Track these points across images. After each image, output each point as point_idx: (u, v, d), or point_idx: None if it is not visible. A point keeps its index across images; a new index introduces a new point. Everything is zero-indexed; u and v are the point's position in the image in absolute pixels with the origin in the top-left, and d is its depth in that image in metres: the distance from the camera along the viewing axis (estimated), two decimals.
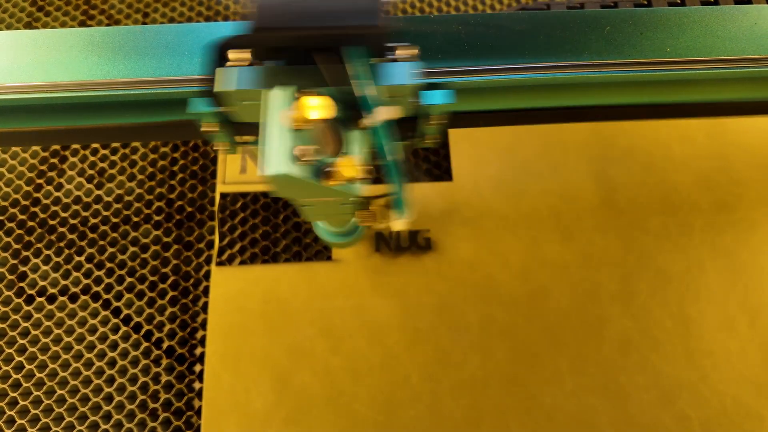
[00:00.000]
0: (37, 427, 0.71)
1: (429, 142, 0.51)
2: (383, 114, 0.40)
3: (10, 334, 0.75)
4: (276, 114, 0.40)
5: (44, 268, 0.78)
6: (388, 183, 0.45)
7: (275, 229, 0.80)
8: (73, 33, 0.47)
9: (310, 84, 0.42)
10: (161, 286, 0.78)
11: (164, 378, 0.74)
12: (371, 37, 0.40)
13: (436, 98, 0.45)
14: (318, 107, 0.38)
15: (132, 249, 0.80)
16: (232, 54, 0.43)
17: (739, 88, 0.51)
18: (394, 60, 0.43)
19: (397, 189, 0.45)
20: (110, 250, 0.80)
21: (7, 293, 0.77)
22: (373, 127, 0.41)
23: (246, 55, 0.43)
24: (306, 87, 0.41)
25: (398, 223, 0.49)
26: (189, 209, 0.82)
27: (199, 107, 0.45)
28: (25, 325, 0.76)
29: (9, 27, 0.91)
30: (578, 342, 0.75)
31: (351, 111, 0.42)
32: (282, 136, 0.39)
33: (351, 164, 0.39)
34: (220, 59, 0.44)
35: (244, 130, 0.49)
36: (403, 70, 0.42)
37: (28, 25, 0.91)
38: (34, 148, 0.84)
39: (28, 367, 0.74)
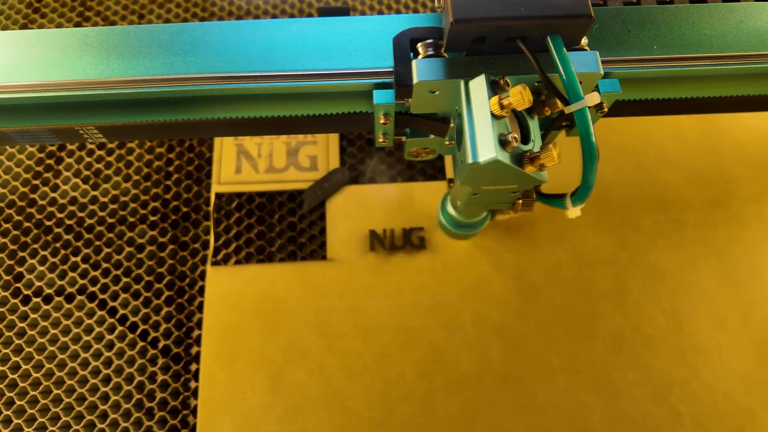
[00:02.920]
0: (34, 426, 0.72)
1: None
2: (590, 100, 0.41)
3: (7, 334, 0.76)
4: (482, 102, 0.41)
5: (40, 268, 0.79)
6: (586, 169, 0.45)
7: (270, 229, 0.80)
8: (68, 33, 0.48)
9: (505, 72, 0.44)
10: (157, 285, 0.78)
11: (160, 377, 0.75)
12: (579, 26, 0.41)
13: (610, 87, 0.48)
14: (523, 95, 0.40)
15: (128, 249, 0.80)
16: (421, 47, 0.46)
17: (726, 84, 0.51)
18: (581, 49, 0.45)
19: (591, 175, 0.46)
20: (106, 250, 0.80)
21: (3, 294, 0.78)
22: (578, 114, 0.42)
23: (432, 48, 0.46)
24: (501, 75, 0.43)
25: (575, 211, 0.49)
26: (184, 209, 0.82)
27: (385, 99, 0.47)
28: (22, 325, 0.76)
29: (4, 28, 0.92)
30: (571, 339, 0.75)
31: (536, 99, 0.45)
32: (489, 123, 0.41)
33: (554, 152, 0.41)
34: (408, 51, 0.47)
35: (411, 123, 0.52)
36: (593, 58, 0.44)
37: (24, 27, 0.92)
38: (30, 148, 0.84)
39: (24, 367, 0.74)
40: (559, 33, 0.41)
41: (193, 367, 0.75)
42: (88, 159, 0.84)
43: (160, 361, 0.75)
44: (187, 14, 0.94)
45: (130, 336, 0.76)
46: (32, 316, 0.76)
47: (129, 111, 0.49)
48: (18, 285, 0.78)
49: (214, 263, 0.78)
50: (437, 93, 0.45)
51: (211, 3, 0.94)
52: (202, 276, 0.79)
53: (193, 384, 0.74)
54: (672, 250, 0.79)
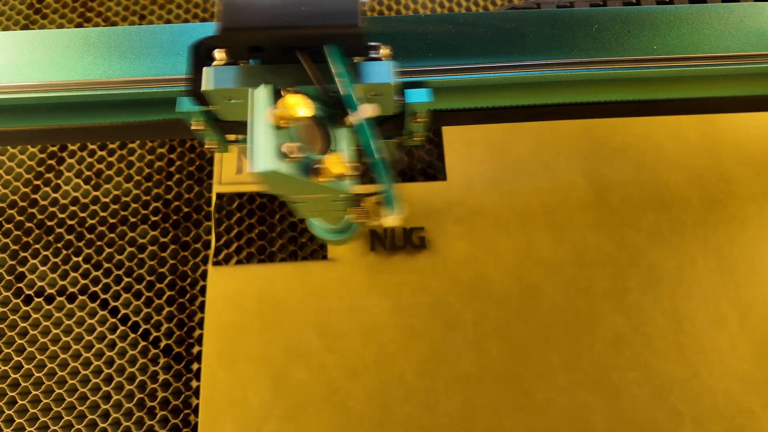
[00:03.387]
0: (36, 425, 0.72)
1: (416, 140, 0.52)
2: (366, 112, 0.41)
3: (9, 334, 0.76)
4: (261, 112, 0.40)
5: (42, 268, 0.79)
6: (376, 180, 0.45)
7: (271, 229, 0.80)
8: (69, 33, 0.48)
9: (294, 82, 0.42)
10: (158, 285, 0.79)
11: (162, 376, 0.75)
12: (349, 36, 0.40)
13: (419, 96, 0.46)
14: (301, 105, 0.38)
15: (129, 249, 0.80)
16: (218, 53, 0.44)
17: (726, 84, 0.51)
18: (376, 59, 0.43)
19: (385, 186, 0.46)
20: (108, 250, 0.80)
21: (5, 294, 0.78)
22: (357, 125, 0.41)
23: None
24: (290, 85, 0.42)
25: (389, 220, 0.50)
26: (186, 209, 0.82)
27: (185, 106, 0.46)
28: (24, 325, 0.76)
29: (5, 29, 0.92)
30: (571, 339, 0.75)
31: (336, 109, 0.43)
32: (268, 133, 0.39)
33: (338, 161, 0.40)
34: (206, 59, 0.44)
35: (233, 129, 0.50)
36: (384, 68, 0.43)
37: (25, 27, 0.92)
38: (31, 149, 0.85)
39: (26, 366, 0.74)
40: (333, 43, 0.41)
41: (195, 366, 0.75)
42: (89, 159, 0.85)
43: (162, 360, 0.76)
44: (187, 15, 0.94)
45: (132, 335, 0.76)
46: (34, 316, 0.77)
47: (131, 111, 0.49)
48: (20, 285, 0.78)
49: (216, 263, 0.78)
50: (234, 101, 0.44)
51: (212, 4, 0.95)
52: (204, 276, 0.79)
53: (194, 383, 0.75)
54: (671, 249, 0.80)
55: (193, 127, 0.48)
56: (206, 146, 0.51)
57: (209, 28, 0.49)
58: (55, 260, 0.79)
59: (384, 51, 0.44)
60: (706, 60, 0.49)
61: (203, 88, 0.42)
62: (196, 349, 0.76)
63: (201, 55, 0.44)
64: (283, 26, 0.40)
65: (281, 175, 0.39)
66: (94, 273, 0.79)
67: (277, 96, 0.41)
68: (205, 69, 0.43)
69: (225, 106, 0.44)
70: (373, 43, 0.44)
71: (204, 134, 0.50)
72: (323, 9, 0.40)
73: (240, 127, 0.50)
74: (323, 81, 0.41)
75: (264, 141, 0.39)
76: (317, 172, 0.40)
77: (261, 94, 0.41)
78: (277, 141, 0.39)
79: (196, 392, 0.74)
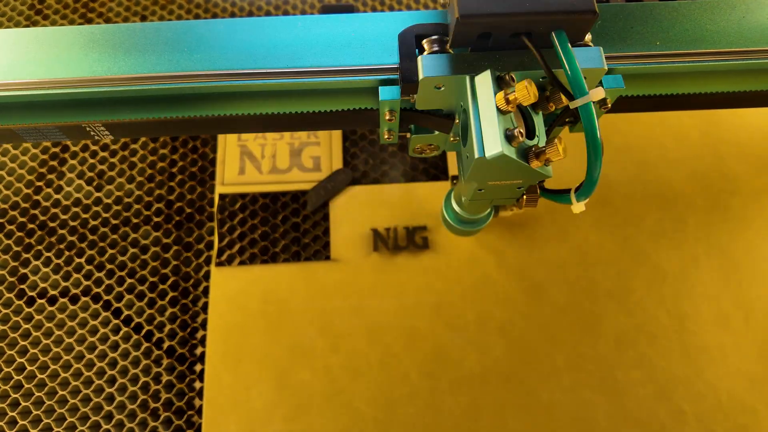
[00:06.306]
0: (39, 427, 0.72)
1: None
2: (594, 95, 0.41)
3: (11, 335, 0.76)
4: (487, 98, 0.42)
5: (45, 270, 0.79)
6: (591, 164, 0.45)
7: (274, 230, 0.80)
8: (74, 30, 0.48)
9: (512, 68, 0.44)
10: (161, 286, 0.79)
11: (165, 378, 0.75)
12: (583, 22, 0.42)
13: (611, 83, 0.48)
14: (530, 90, 0.40)
15: (132, 250, 0.80)
16: (426, 43, 0.46)
17: (728, 80, 0.52)
18: (586, 45, 0.46)
19: (596, 170, 0.46)
20: (110, 251, 0.80)
21: (7, 295, 0.78)
22: (582, 109, 0.42)
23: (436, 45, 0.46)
24: (508, 71, 0.44)
25: (579, 206, 0.49)
26: (188, 210, 0.82)
27: (390, 95, 0.47)
28: (26, 326, 0.76)
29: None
30: (575, 338, 0.75)
31: (553, 94, 0.45)
32: (495, 119, 0.41)
33: (559, 146, 0.41)
34: (415, 48, 0.47)
35: (419, 119, 0.52)
36: (596, 54, 0.44)
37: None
38: (33, 150, 0.85)
39: (29, 368, 0.74)
40: (563, 29, 0.42)
41: (198, 367, 0.75)
42: (91, 160, 0.85)
43: (165, 361, 0.75)
44: (189, 15, 0.94)
45: (135, 337, 0.76)
46: (37, 317, 0.77)
47: (135, 108, 0.49)
48: (22, 286, 0.78)
49: (218, 264, 0.78)
50: (442, 89, 0.45)
51: (213, 4, 0.95)
52: (207, 277, 0.79)
53: (198, 384, 0.74)
54: (674, 248, 0.80)
55: (386, 118, 0.50)
56: (383, 138, 0.53)
57: (214, 25, 0.49)
58: (58, 261, 0.79)
59: (589, 37, 0.46)
60: (708, 56, 0.49)
61: (422, 76, 0.44)
62: (199, 350, 0.76)
63: (409, 43, 0.47)
64: (521, 12, 0.41)
65: (507, 159, 0.41)
66: (97, 274, 0.79)
67: (499, 82, 0.43)
68: (422, 57, 0.45)
69: (430, 95, 0.46)
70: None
71: (391, 125, 0.51)
72: None
73: (424, 118, 0.52)
74: (549, 66, 0.42)
75: (492, 126, 0.41)
76: (536, 156, 0.42)
77: (486, 80, 0.43)
78: (502, 126, 0.41)
79: (200, 393, 0.74)
